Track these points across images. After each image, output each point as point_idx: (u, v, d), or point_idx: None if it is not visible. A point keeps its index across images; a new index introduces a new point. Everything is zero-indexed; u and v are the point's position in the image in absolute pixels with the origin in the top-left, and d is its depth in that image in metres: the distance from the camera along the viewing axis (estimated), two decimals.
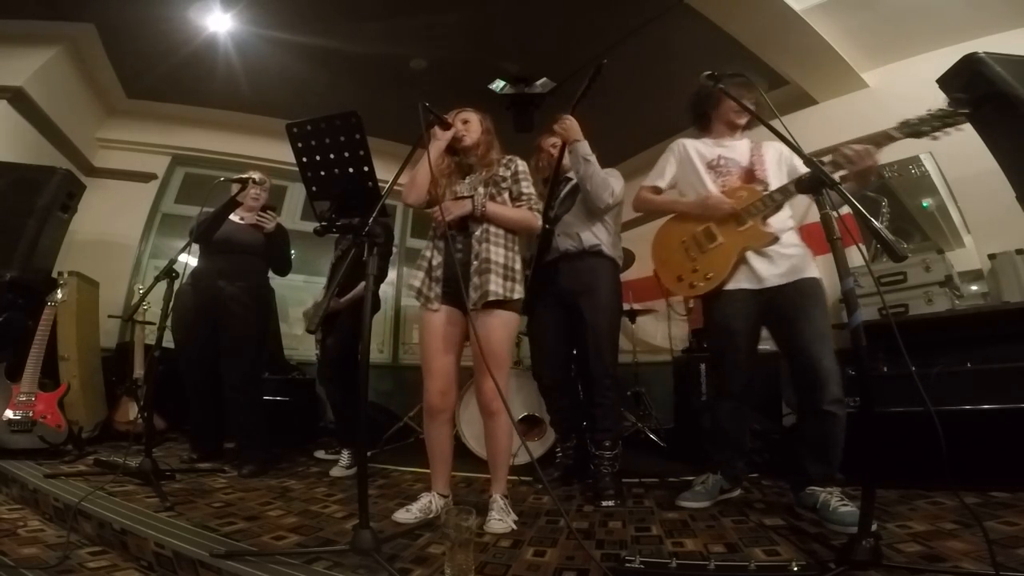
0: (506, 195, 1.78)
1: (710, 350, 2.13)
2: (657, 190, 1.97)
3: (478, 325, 1.60)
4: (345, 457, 2.50)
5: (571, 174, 2.22)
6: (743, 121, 1.88)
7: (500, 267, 1.67)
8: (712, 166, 1.89)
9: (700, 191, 1.87)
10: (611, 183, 2.08)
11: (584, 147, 2.07)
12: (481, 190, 1.74)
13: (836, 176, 1.52)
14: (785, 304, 1.71)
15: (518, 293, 1.69)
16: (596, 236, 2.14)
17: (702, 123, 1.99)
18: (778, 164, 1.84)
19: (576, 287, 2.09)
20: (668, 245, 1.93)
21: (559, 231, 2.19)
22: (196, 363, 2.49)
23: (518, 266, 1.73)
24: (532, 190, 1.81)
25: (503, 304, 1.66)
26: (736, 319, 1.78)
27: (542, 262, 2.19)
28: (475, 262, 1.67)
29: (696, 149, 1.94)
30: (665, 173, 1.97)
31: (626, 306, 3.15)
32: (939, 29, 2.94)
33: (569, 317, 2.13)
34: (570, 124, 2.08)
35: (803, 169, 1.73)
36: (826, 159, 1.54)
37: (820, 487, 1.57)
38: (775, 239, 1.73)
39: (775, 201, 1.72)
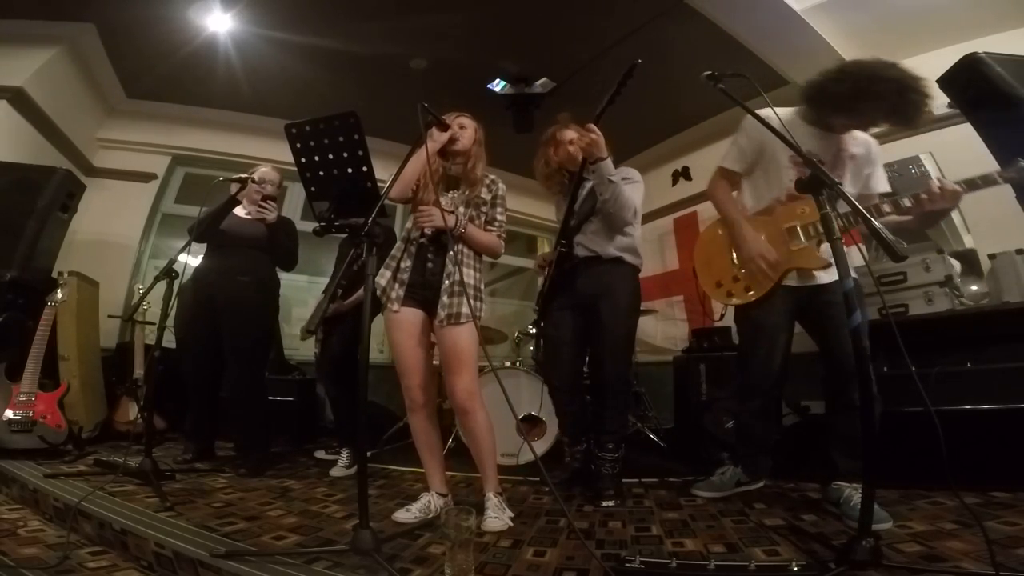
0: (482, 218, 1.82)
1: (741, 346, 1.98)
2: (734, 176, 1.86)
3: (444, 333, 1.68)
4: (344, 457, 2.50)
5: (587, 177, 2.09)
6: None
7: (472, 288, 1.73)
8: (796, 161, 1.68)
9: (765, 186, 1.78)
10: (632, 201, 2.00)
11: (609, 167, 1.91)
12: (462, 209, 1.77)
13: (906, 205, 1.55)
14: (824, 302, 1.68)
15: (482, 311, 1.76)
16: (617, 247, 2.09)
17: (821, 109, 1.69)
18: (855, 175, 1.73)
19: (595, 289, 2.05)
20: (715, 246, 1.88)
21: (577, 241, 2.12)
22: (199, 362, 2.48)
23: (483, 284, 1.83)
24: (504, 218, 1.87)
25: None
26: (772, 315, 1.76)
27: (560, 271, 2.14)
28: (447, 281, 1.70)
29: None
30: (746, 154, 1.81)
31: None
32: (939, 29, 2.94)
33: (585, 320, 2.09)
34: (595, 139, 1.85)
35: (879, 188, 1.72)
36: (922, 194, 1.54)
37: (847, 483, 1.59)
38: (827, 266, 1.63)
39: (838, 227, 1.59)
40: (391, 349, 1.79)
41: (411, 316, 1.73)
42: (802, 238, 1.68)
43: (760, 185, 1.82)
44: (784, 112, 1.72)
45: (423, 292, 1.72)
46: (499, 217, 1.84)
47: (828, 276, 1.67)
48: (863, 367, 1.25)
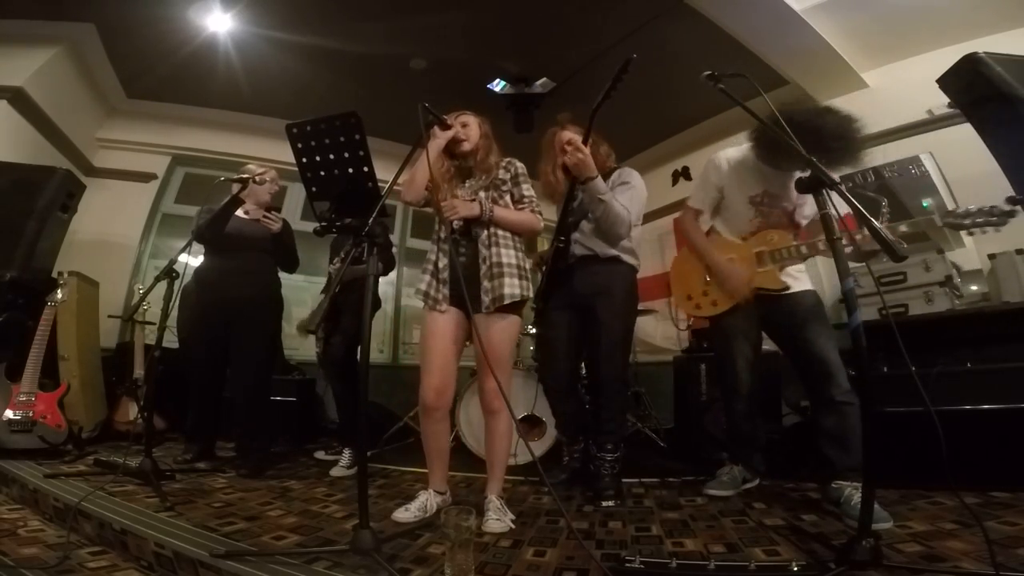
0: (507, 198, 1.80)
1: (717, 353, 2.12)
2: (699, 214, 2.03)
3: (483, 327, 1.63)
4: (346, 456, 2.50)
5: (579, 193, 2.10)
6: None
7: (513, 268, 1.71)
8: (755, 202, 1.89)
9: (732, 220, 1.95)
10: (624, 217, 1.97)
11: (599, 185, 1.92)
12: (483, 195, 1.76)
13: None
14: (786, 309, 1.83)
15: (530, 291, 1.74)
16: (612, 246, 2.07)
17: (763, 152, 1.81)
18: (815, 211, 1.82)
19: (592, 289, 2.04)
20: (689, 266, 2.04)
21: (575, 239, 2.12)
22: (204, 363, 2.47)
23: (527, 264, 1.78)
24: (532, 192, 1.83)
25: (511, 307, 1.69)
26: (739, 321, 1.90)
27: (556, 268, 2.14)
28: (484, 266, 1.69)
29: (742, 177, 1.89)
30: (708, 197, 1.99)
31: None
32: (939, 29, 2.95)
33: (581, 320, 2.09)
34: (583, 158, 1.88)
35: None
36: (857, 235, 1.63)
37: (846, 481, 1.60)
38: (784, 289, 1.82)
39: (800, 255, 1.79)
40: (421, 345, 1.77)
41: (452, 316, 1.72)
42: (768, 262, 1.84)
43: (727, 222, 1.99)
44: (740, 151, 1.92)
45: (459, 287, 1.66)
46: (527, 193, 1.82)
47: (783, 289, 1.83)
48: (863, 367, 1.25)
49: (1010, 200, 1.51)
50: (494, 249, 1.70)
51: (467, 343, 1.80)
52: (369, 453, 2.59)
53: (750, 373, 1.94)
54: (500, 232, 1.73)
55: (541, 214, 1.84)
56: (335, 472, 2.40)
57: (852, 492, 1.55)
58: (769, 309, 1.87)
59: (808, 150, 1.42)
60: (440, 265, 1.74)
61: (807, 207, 1.86)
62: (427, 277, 1.76)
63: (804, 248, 1.77)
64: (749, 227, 1.92)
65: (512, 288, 1.66)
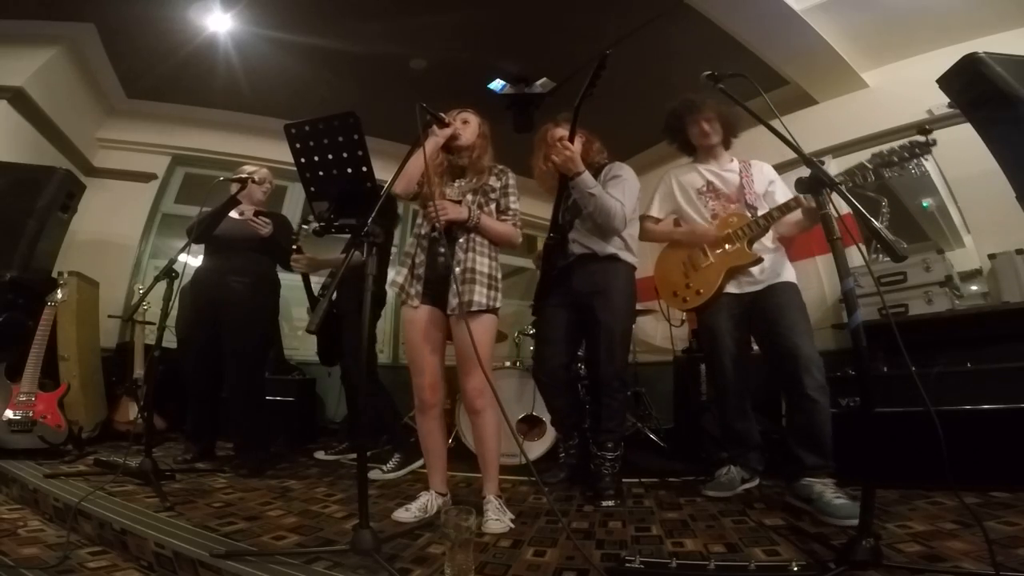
0: (493, 206, 1.81)
1: (704, 352, 2.16)
2: (655, 220, 2.15)
3: (458, 328, 1.64)
4: (394, 459, 2.44)
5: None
6: (713, 142, 2.04)
7: (484, 276, 1.71)
8: (702, 192, 2.06)
9: (695, 216, 2.05)
10: (617, 210, 1.97)
11: (587, 180, 1.95)
12: (470, 197, 1.76)
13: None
14: (763, 304, 1.88)
15: (498, 301, 1.74)
16: (613, 245, 2.08)
17: (683, 146, 2.15)
18: (763, 189, 2.00)
19: (590, 288, 2.05)
20: (669, 264, 2.11)
21: (572, 238, 2.12)
22: (199, 363, 2.48)
23: (499, 274, 1.78)
24: (518, 206, 1.85)
25: (482, 309, 1.69)
26: (721, 320, 1.94)
27: (554, 266, 2.15)
28: (458, 269, 1.69)
29: (686, 180, 2.10)
30: (658, 204, 2.15)
31: None
32: (939, 29, 2.95)
33: (579, 317, 2.09)
34: (570, 155, 1.92)
35: (780, 198, 1.93)
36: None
37: (815, 478, 1.60)
38: (759, 260, 1.88)
39: (760, 227, 1.87)
40: (406, 347, 1.78)
41: (427, 313, 1.72)
42: (734, 241, 1.91)
43: (690, 219, 2.08)
44: (684, 167, 2.15)
45: (437, 287, 1.70)
46: (512, 205, 1.83)
47: (764, 283, 1.90)
48: (863, 367, 1.25)
49: (922, 131, 1.53)
50: (471, 255, 1.71)
51: (449, 342, 1.80)
52: (369, 453, 2.57)
53: (736, 371, 1.94)
54: (479, 239, 1.75)
55: (521, 229, 1.85)
56: (373, 475, 2.30)
57: (823, 489, 1.55)
58: (748, 306, 1.91)
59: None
60: (417, 260, 1.75)
61: (757, 185, 1.97)
62: (404, 271, 1.76)
63: (761, 221, 1.86)
64: (708, 214, 2.03)
65: (480, 296, 1.67)
